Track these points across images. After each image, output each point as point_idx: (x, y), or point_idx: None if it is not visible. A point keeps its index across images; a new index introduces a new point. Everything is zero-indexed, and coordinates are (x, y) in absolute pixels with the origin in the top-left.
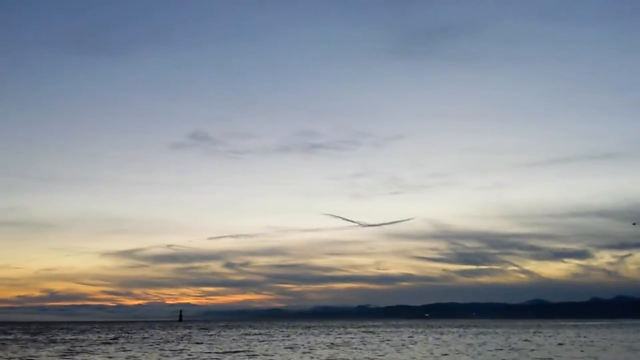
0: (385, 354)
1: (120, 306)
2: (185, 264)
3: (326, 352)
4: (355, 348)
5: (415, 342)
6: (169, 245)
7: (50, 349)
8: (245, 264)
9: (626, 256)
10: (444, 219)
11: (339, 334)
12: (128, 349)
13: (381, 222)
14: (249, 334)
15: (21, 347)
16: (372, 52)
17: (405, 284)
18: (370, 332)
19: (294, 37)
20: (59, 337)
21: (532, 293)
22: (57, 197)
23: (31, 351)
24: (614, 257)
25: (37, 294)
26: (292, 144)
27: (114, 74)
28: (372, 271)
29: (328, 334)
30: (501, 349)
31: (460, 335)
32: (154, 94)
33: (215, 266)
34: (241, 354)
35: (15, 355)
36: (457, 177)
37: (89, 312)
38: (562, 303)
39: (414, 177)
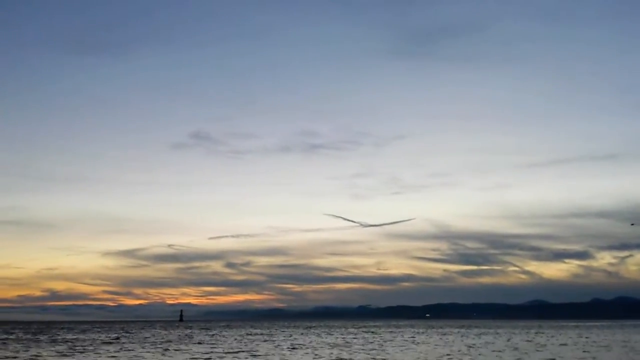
0: (389, 354)
1: (121, 306)
2: (186, 264)
3: (330, 352)
4: (360, 347)
5: (419, 343)
6: (169, 245)
7: (52, 349)
8: (246, 264)
9: (627, 257)
10: (444, 219)
11: (342, 334)
12: (129, 348)
13: (382, 222)
14: (250, 334)
15: (23, 346)
16: (373, 52)
17: (406, 284)
18: (372, 332)
19: (295, 37)
20: (60, 337)
21: (532, 294)
22: (57, 197)
23: (32, 351)
24: (615, 257)
25: (38, 293)
26: (293, 144)
27: (114, 74)
28: (373, 271)
29: (330, 334)
30: (504, 350)
31: (462, 336)
32: (154, 94)
33: (216, 266)
34: (244, 354)
35: (16, 355)
36: (457, 178)
37: (89, 311)
38: (562, 304)
39: (415, 178)
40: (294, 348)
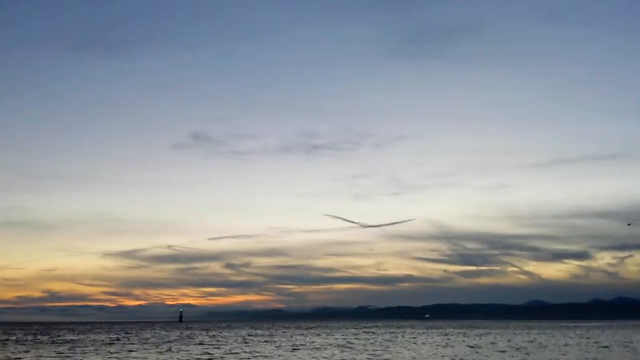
0: (393, 354)
1: (120, 307)
2: (186, 265)
3: (332, 353)
4: (362, 347)
5: (422, 343)
6: (169, 246)
7: (51, 350)
8: (246, 265)
9: (626, 257)
10: (444, 219)
11: (343, 335)
12: (129, 349)
13: (382, 222)
14: (250, 335)
15: (22, 347)
16: (374, 52)
17: (405, 284)
18: (373, 332)
19: (296, 37)
20: (60, 338)
21: (532, 294)
22: (57, 197)
23: (32, 352)
24: (615, 258)
25: (37, 294)
26: (293, 144)
27: (115, 74)
28: (373, 272)
29: (331, 335)
30: (506, 350)
31: (464, 336)
32: (155, 94)
33: (216, 267)
34: (246, 354)
35: (16, 356)
36: (457, 178)
37: (89, 312)
38: (562, 304)
39: (415, 178)
40: (297, 348)
